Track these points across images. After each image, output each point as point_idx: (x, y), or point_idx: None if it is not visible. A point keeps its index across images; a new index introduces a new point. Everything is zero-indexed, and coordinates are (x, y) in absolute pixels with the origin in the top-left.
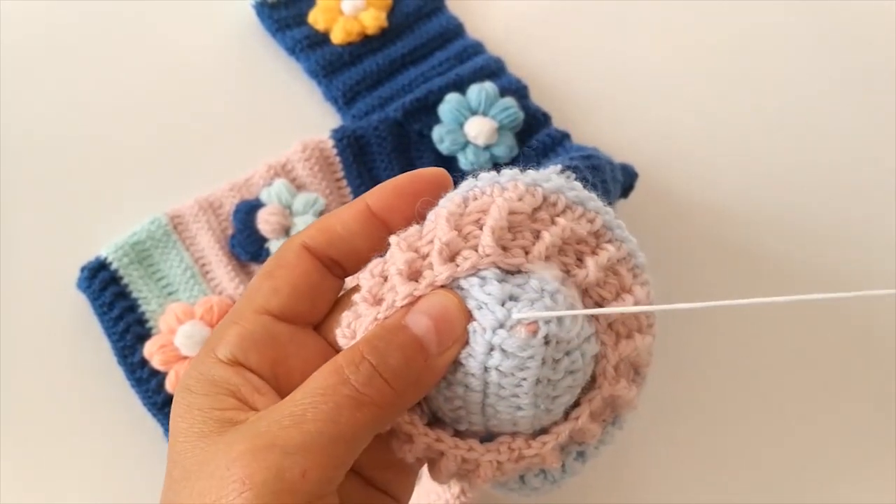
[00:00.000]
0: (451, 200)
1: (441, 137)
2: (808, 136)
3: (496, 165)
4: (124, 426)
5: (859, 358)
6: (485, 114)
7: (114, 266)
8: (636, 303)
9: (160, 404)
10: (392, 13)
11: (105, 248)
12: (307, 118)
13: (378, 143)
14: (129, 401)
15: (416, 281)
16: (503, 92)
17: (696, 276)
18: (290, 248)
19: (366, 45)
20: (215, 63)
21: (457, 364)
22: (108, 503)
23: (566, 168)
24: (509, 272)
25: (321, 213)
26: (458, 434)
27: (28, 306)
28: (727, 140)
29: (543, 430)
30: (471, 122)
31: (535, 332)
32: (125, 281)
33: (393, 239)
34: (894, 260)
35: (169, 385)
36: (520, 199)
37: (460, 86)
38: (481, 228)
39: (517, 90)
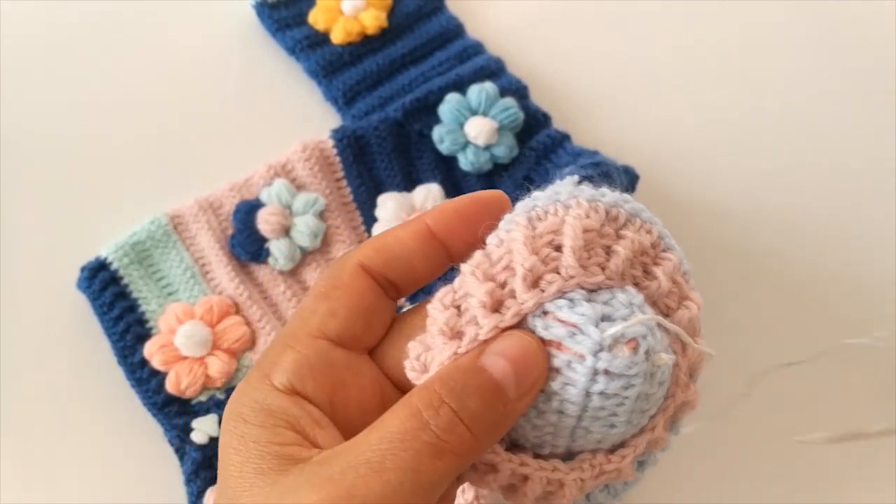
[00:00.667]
0: (518, 223)
1: (441, 137)
2: (809, 136)
3: (497, 166)
4: (124, 426)
5: (860, 356)
6: (485, 114)
7: (114, 266)
8: (697, 308)
9: (160, 404)
10: (392, 13)
11: (105, 248)
12: (307, 118)
13: (378, 143)
14: (130, 401)
15: (500, 312)
16: (503, 92)
17: (695, 277)
18: (346, 267)
19: (366, 45)
20: (215, 63)
21: (550, 394)
22: (108, 503)
23: (582, 178)
24: (591, 290)
25: (321, 213)
26: (538, 456)
27: (28, 306)
28: (727, 140)
29: (621, 444)
30: (471, 122)
31: (636, 349)
32: (125, 281)
33: (466, 267)
34: (894, 260)
35: (169, 385)
36: (587, 216)
37: (460, 86)
38: (556, 249)
39: (517, 90)
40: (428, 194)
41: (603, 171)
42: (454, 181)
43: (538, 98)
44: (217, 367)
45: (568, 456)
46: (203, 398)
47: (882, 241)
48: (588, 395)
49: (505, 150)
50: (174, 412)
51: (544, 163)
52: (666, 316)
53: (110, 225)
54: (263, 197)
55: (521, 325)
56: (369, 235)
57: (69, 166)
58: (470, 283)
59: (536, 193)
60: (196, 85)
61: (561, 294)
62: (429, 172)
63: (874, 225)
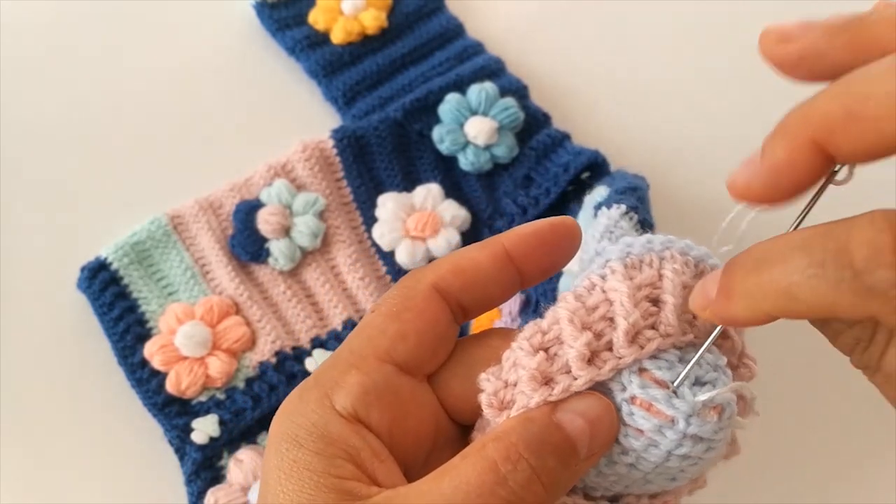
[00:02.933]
0: (615, 271)
1: (441, 137)
2: None
3: (497, 166)
4: (125, 426)
5: None
6: (485, 114)
7: (114, 266)
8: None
9: (160, 404)
10: (392, 13)
11: (105, 248)
12: (307, 118)
13: (378, 143)
14: (130, 401)
15: (595, 365)
16: (503, 92)
17: None
18: (419, 287)
19: (366, 45)
20: (215, 63)
21: (628, 450)
22: (108, 503)
23: (629, 209)
24: (681, 348)
25: (321, 214)
26: (587, 497)
27: (28, 306)
28: (727, 140)
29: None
30: (471, 122)
31: (721, 414)
32: (125, 281)
33: (562, 313)
34: None
35: (169, 385)
36: (683, 272)
37: (460, 86)
38: (653, 304)
39: (517, 90)
40: (428, 194)
41: (640, 197)
42: (454, 181)
43: (538, 98)
44: (217, 367)
45: (613, 498)
46: (203, 398)
47: None
48: (669, 456)
49: (505, 149)
50: (174, 412)
51: (544, 162)
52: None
53: (110, 225)
54: (263, 197)
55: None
56: (369, 235)
57: (69, 166)
58: (566, 330)
59: (627, 240)
60: (196, 85)
61: (656, 352)
62: (429, 172)
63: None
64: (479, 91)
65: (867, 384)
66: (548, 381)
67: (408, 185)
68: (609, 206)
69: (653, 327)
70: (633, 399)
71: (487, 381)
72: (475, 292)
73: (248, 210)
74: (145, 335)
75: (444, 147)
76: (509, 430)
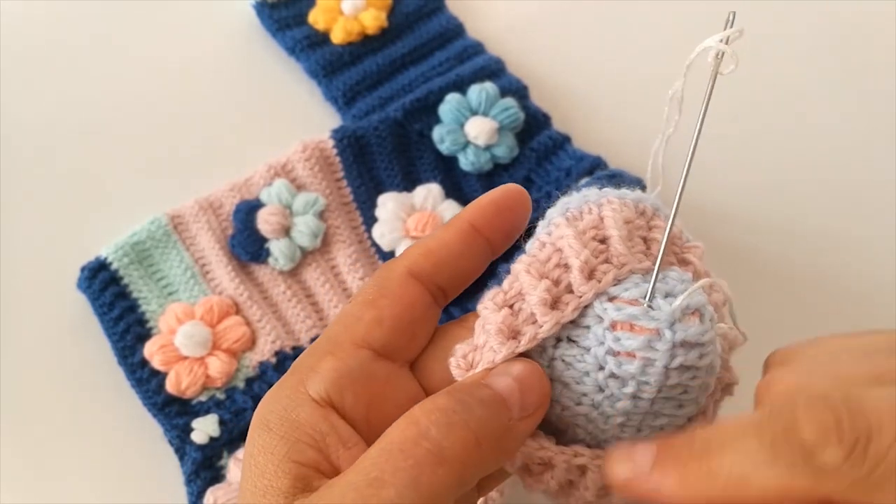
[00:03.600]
0: (558, 224)
1: (441, 137)
2: (810, 136)
3: (497, 166)
4: (125, 426)
5: None
6: (485, 114)
7: (114, 266)
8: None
9: (160, 404)
10: (392, 13)
11: (105, 248)
12: (307, 118)
13: (378, 143)
14: (130, 401)
15: (558, 308)
16: (503, 92)
17: None
18: (393, 274)
19: (366, 45)
20: (215, 63)
21: (625, 379)
22: (108, 503)
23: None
24: (642, 275)
25: (321, 213)
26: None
27: (28, 306)
28: (728, 140)
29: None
30: (471, 122)
31: (701, 318)
32: (125, 281)
33: (518, 266)
34: (894, 260)
35: (169, 385)
36: (622, 210)
37: (460, 86)
38: (601, 242)
39: (517, 90)
40: (428, 194)
41: (617, 184)
42: (454, 181)
43: (538, 98)
44: (217, 367)
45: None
46: (203, 398)
47: (882, 241)
48: (667, 372)
49: (505, 150)
50: (174, 412)
51: (545, 164)
52: None
53: (110, 225)
54: (263, 197)
55: (580, 318)
56: (369, 235)
57: (69, 166)
58: (525, 281)
59: (565, 199)
60: (196, 85)
61: (616, 282)
62: (429, 172)
63: (874, 225)
64: (480, 91)
65: None
66: (515, 335)
67: (408, 185)
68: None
69: (606, 262)
70: (613, 325)
71: (458, 348)
72: (448, 270)
73: (248, 210)
74: (145, 335)
75: (445, 147)
76: (437, 394)
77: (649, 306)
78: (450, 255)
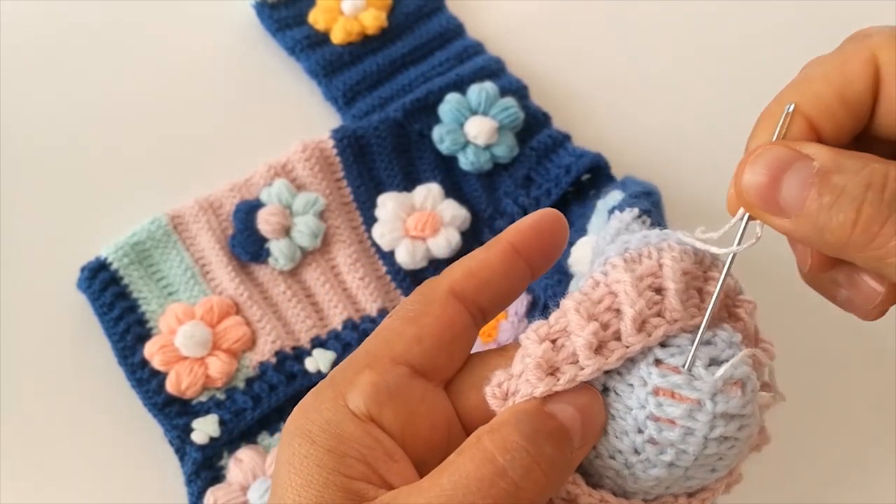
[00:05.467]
0: (616, 266)
1: (441, 137)
2: None
3: (497, 166)
4: (125, 427)
5: (859, 357)
6: (485, 114)
7: (114, 266)
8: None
9: (161, 405)
10: (392, 13)
11: (105, 248)
12: (307, 118)
13: (378, 143)
14: (130, 401)
15: (602, 354)
16: (503, 92)
17: None
18: (436, 293)
19: (366, 45)
20: (215, 63)
21: (664, 447)
22: (108, 503)
23: (642, 212)
24: (691, 332)
25: (321, 213)
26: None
27: (29, 307)
28: (728, 141)
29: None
30: (471, 121)
31: (743, 388)
32: (125, 281)
33: (568, 304)
34: None
35: (169, 385)
36: (682, 259)
37: (460, 86)
38: (657, 293)
39: (517, 90)
40: (428, 194)
41: (654, 202)
42: (454, 181)
43: (538, 98)
44: (217, 367)
45: (651, 499)
46: (203, 398)
47: None
48: (706, 442)
49: (505, 149)
50: (174, 412)
51: (545, 162)
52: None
53: (110, 225)
54: (263, 197)
55: (625, 371)
56: (369, 235)
57: (69, 166)
58: (573, 320)
59: (625, 237)
60: (196, 85)
61: (666, 338)
62: (429, 172)
63: None
64: (480, 91)
65: (867, 384)
66: (553, 372)
67: (408, 184)
68: (622, 210)
69: (658, 315)
70: (656, 391)
71: (495, 375)
72: (490, 291)
73: (248, 210)
74: (145, 335)
75: (445, 147)
76: (503, 422)
77: (690, 375)
78: (492, 276)
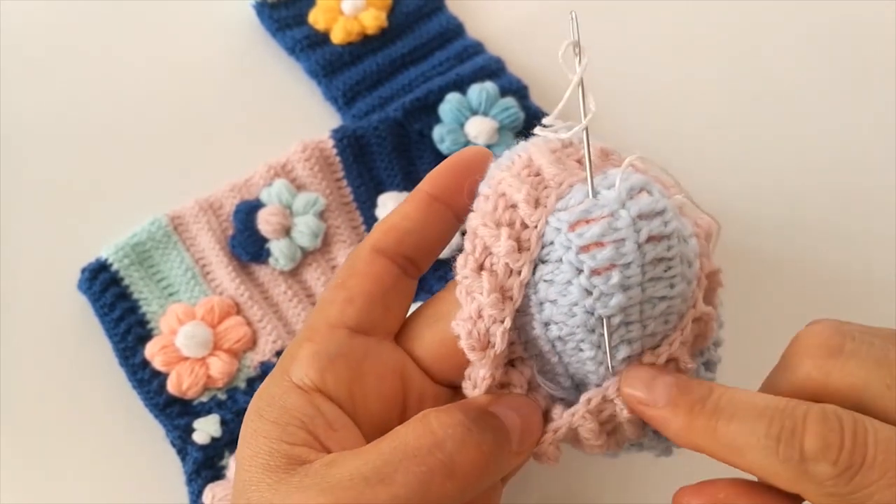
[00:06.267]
0: (495, 175)
1: (441, 137)
2: (811, 135)
3: None
4: (126, 427)
5: None
6: (485, 114)
7: (114, 267)
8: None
9: (162, 405)
10: (392, 13)
11: (105, 249)
12: (307, 118)
13: (378, 143)
14: (131, 402)
15: (526, 249)
16: (503, 92)
17: None
18: (360, 254)
19: (366, 45)
20: (215, 63)
21: (609, 271)
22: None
23: None
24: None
25: (321, 214)
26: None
27: (29, 308)
28: (728, 141)
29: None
30: (471, 121)
31: (649, 192)
32: (126, 282)
33: (472, 223)
34: (894, 260)
35: (170, 386)
36: (547, 145)
37: (460, 86)
38: (536, 175)
39: (517, 90)
40: None
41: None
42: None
43: (538, 98)
44: (218, 367)
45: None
46: (204, 399)
47: (882, 241)
48: (640, 248)
49: (505, 149)
50: (176, 413)
51: None
52: None
53: (110, 226)
54: (264, 197)
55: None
56: None
57: (69, 167)
58: (485, 234)
59: (495, 161)
60: (196, 85)
61: (560, 199)
62: (429, 172)
63: (874, 225)
64: (480, 91)
65: None
66: (505, 294)
67: (408, 184)
68: None
69: (546, 188)
70: (571, 227)
71: (458, 326)
72: (413, 241)
73: (248, 210)
74: (146, 336)
75: (445, 147)
76: (451, 406)
77: (594, 200)
78: (411, 225)
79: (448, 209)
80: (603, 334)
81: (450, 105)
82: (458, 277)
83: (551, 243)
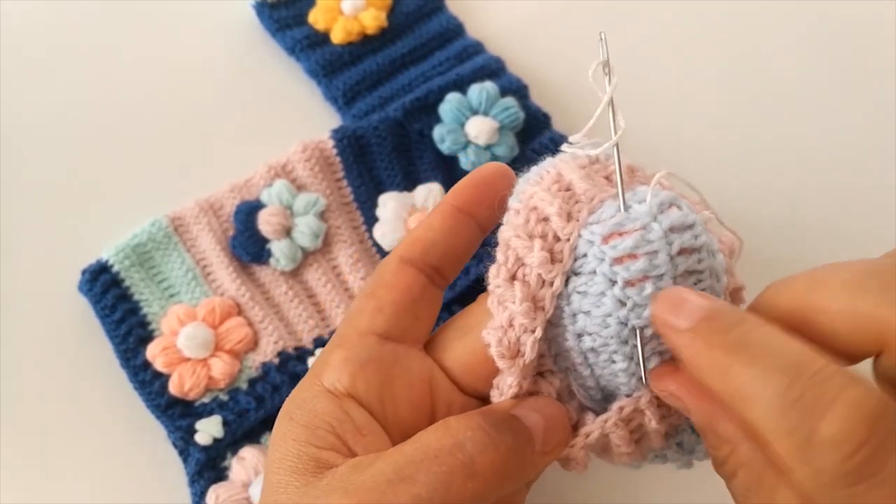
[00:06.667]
0: (526, 190)
1: (442, 137)
2: (811, 135)
3: None
4: (128, 428)
5: None
6: (485, 113)
7: (115, 268)
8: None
9: (164, 406)
10: (392, 13)
11: (106, 250)
12: (307, 118)
13: (378, 143)
14: (133, 403)
15: (559, 261)
16: (503, 91)
17: None
18: (388, 265)
19: (366, 44)
20: (215, 63)
21: (641, 281)
22: None
23: None
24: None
25: (322, 214)
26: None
27: (30, 309)
28: (728, 141)
29: None
30: (471, 121)
31: (678, 207)
32: (127, 283)
33: (505, 234)
34: None
35: (172, 387)
36: (574, 160)
37: (461, 85)
38: (567, 190)
39: (517, 90)
40: (429, 194)
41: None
42: (455, 181)
43: (538, 98)
44: (220, 368)
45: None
46: (206, 399)
47: (882, 241)
48: (672, 260)
49: (506, 149)
50: (177, 414)
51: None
52: None
53: (111, 227)
54: (264, 198)
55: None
56: (370, 235)
57: (69, 168)
58: (518, 246)
59: (524, 176)
60: (196, 85)
61: (591, 214)
62: (429, 172)
63: (874, 225)
64: (480, 91)
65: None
66: (537, 304)
67: (408, 184)
68: None
69: (577, 202)
70: (605, 239)
71: (489, 334)
72: (439, 251)
73: (248, 211)
74: (147, 337)
75: (445, 147)
76: (471, 412)
77: (625, 213)
78: (437, 236)
79: (472, 221)
80: (636, 345)
81: (450, 105)
82: (490, 287)
83: (584, 255)
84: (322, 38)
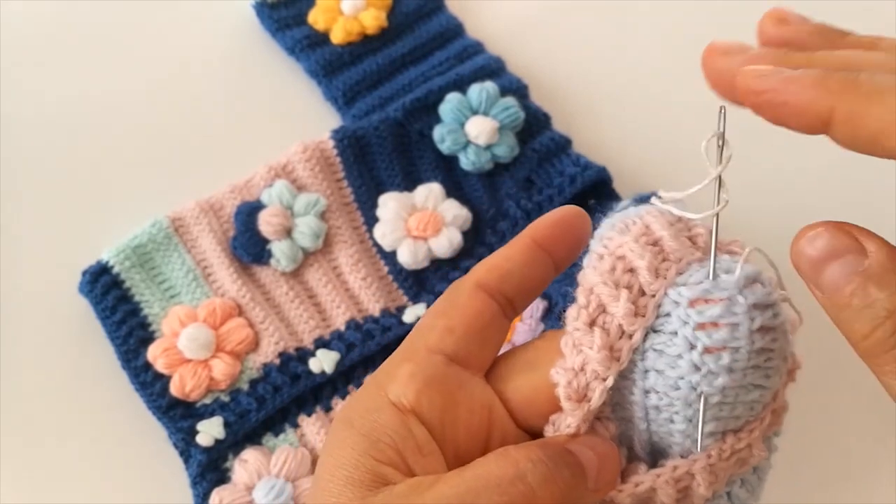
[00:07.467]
0: (612, 237)
1: (442, 137)
2: (812, 136)
3: (498, 165)
4: (129, 430)
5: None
6: (486, 113)
7: (115, 269)
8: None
9: (165, 407)
10: (392, 13)
11: (106, 251)
12: (307, 118)
13: (378, 143)
14: (134, 404)
15: (642, 315)
16: (503, 91)
17: None
18: (463, 287)
19: (366, 44)
20: (215, 63)
21: (718, 352)
22: None
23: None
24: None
25: (322, 214)
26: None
27: (30, 311)
28: (729, 141)
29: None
30: (472, 121)
31: (762, 283)
32: (127, 284)
33: (591, 279)
34: None
35: (173, 388)
36: (662, 215)
37: (461, 85)
38: (654, 245)
39: (517, 90)
40: (429, 194)
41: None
42: (455, 181)
43: (538, 98)
44: (221, 369)
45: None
46: (207, 401)
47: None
48: (751, 335)
49: (506, 149)
50: (179, 415)
51: (546, 165)
52: None
53: (111, 228)
54: (264, 198)
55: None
56: (371, 235)
57: (69, 168)
58: (604, 293)
59: (607, 219)
60: (196, 85)
61: (678, 275)
62: (430, 172)
63: (875, 225)
64: (480, 90)
65: (867, 385)
66: (613, 353)
67: (409, 184)
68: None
69: (664, 260)
70: (692, 302)
71: (558, 374)
72: (513, 281)
73: (249, 211)
74: (148, 338)
75: (445, 147)
76: (530, 444)
77: (713, 281)
78: (514, 266)
79: (549, 258)
80: (699, 410)
81: (450, 105)
82: (567, 328)
83: (667, 315)
84: (322, 38)
